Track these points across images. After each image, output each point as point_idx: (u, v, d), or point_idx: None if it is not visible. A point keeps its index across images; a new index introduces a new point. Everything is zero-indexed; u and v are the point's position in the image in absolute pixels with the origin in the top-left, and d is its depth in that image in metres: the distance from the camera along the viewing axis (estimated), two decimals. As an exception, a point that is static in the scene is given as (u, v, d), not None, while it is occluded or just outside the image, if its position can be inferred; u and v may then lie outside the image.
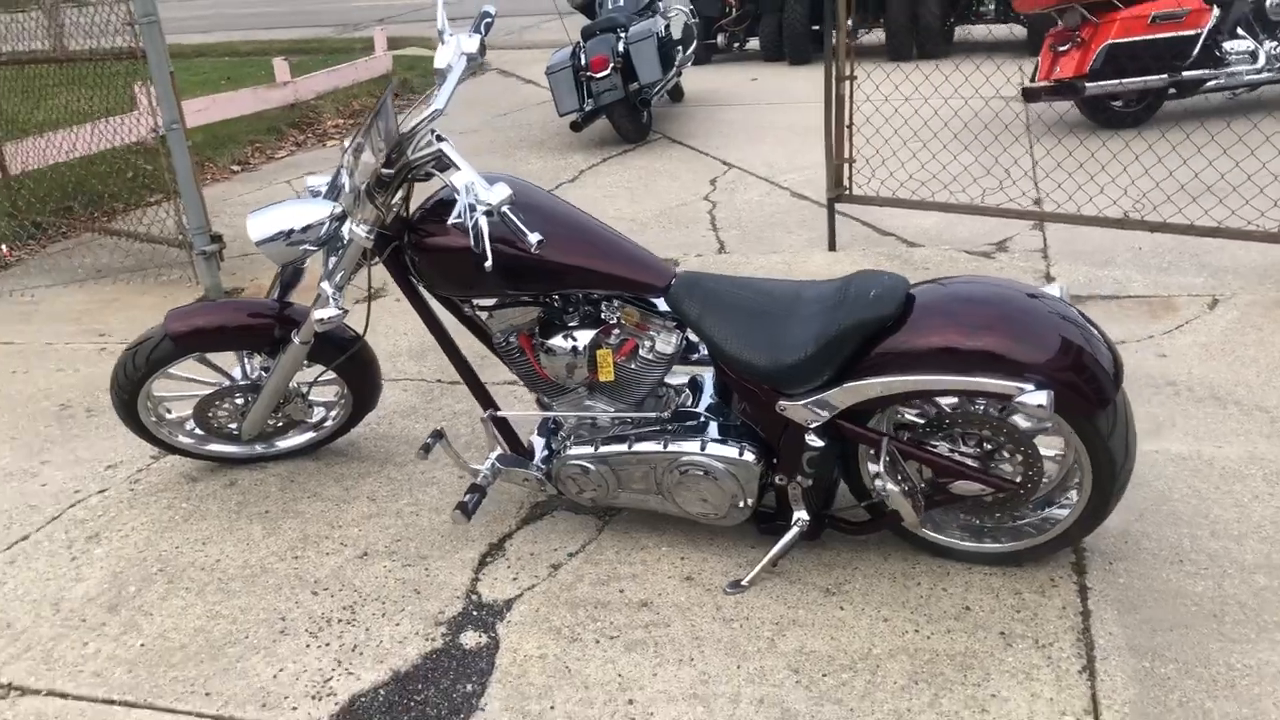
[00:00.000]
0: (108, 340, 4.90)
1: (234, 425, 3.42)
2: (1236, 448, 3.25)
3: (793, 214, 5.97)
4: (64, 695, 2.60)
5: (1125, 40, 6.85)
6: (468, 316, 2.97)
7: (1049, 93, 7.20)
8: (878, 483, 2.61)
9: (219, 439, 3.49)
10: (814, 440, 2.67)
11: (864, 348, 2.57)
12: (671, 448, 2.82)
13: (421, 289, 2.96)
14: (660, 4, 8.96)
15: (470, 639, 2.70)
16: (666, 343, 2.82)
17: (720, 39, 11.69)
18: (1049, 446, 2.69)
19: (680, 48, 8.87)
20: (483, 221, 2.51)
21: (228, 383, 3.34)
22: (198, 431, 3.46)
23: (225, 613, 2.86)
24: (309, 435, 3.55)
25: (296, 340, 3.08)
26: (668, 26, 8.46)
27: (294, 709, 2.50)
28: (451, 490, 3.36)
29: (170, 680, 2.62)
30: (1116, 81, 6.88)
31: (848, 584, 2.79)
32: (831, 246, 5.33)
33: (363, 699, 2.53)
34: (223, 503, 3.40)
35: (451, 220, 2.49)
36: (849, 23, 9.98)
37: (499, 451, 3.07)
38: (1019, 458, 2.65)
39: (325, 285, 2.93)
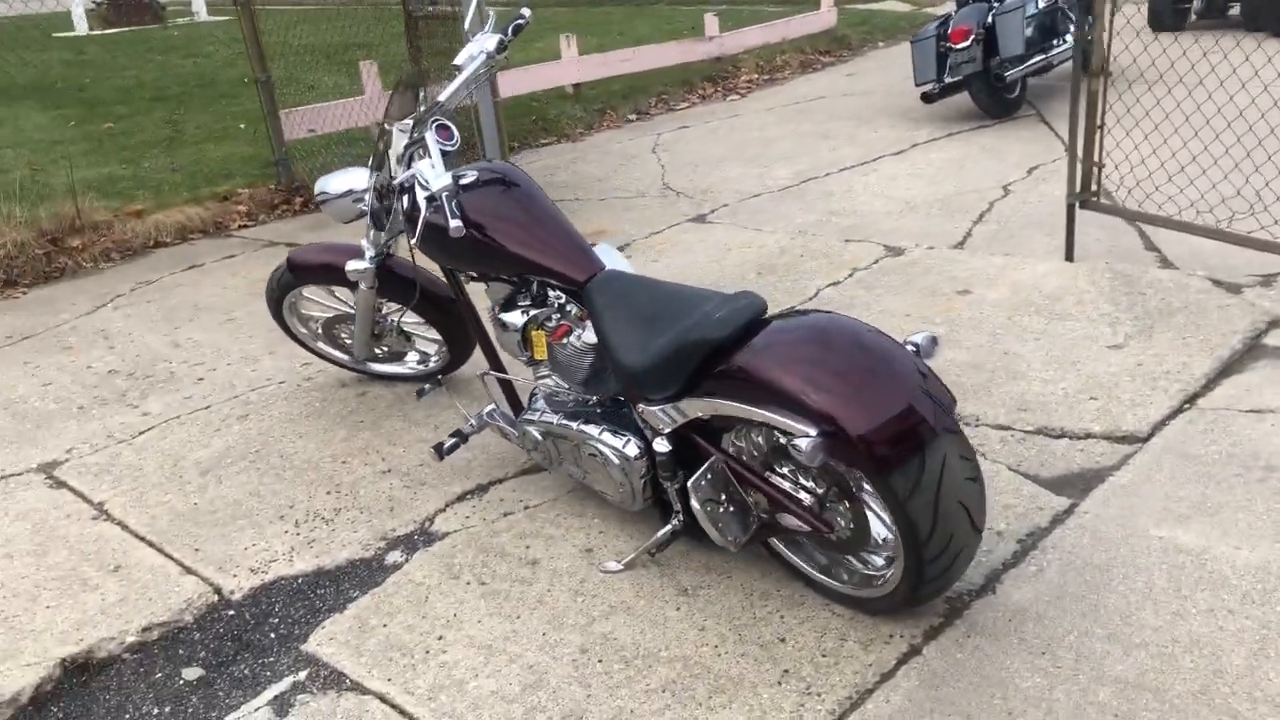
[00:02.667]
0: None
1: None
2: (1257, 555, 2.79)
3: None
4: (123, 525, 3.46)
5: None
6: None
7: None
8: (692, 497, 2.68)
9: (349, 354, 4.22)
10: (661, 445, 2.78)
11: (707, 365, 2.64)
12: (582, 428, 3.05)
13: None
14: (1078, -30, 8.32)
15: (392, 557, 3.18)
16: (593, 333, 3.04)
17: (1196, 2, 10.47)
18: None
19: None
20: (421, 202, 2.93)
21: (344, 311, 4.04)
22: (332, 346, 4.22)
23: (263, 492, 3.58)
24: (417, 368, 4.16)
25: (362, 285, 3.68)
26: (1060, -1, 7.89)
27: (233, 575, 3.16)
28: (497, 438, 3.73)
29: (186, 533, 3.39)
30: None
31: (706, 589, 2.88)
32: (1068, 256, 4.92)
33: (283, 580, 3.12)
34: (342, 406, 4.14)
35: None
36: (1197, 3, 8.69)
37: (492, 406, 3.47)
38: (845, 504, 2.58)
39: (364, 242, 3.49)
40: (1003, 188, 6.13)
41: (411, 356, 4.18)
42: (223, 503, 3.54)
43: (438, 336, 4.07)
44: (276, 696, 2.67)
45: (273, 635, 2.90)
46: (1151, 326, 4.11)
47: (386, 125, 3.25)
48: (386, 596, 2.99)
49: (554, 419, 3.14)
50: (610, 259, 3.24)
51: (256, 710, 2.63)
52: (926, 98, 7.64)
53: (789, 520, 2.66)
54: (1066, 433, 3.47)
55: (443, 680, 2.64)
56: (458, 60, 3.27)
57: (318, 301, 4.09)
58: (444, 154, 3.17)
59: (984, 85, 7.48)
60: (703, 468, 2.67)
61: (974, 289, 4.67)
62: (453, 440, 3.40)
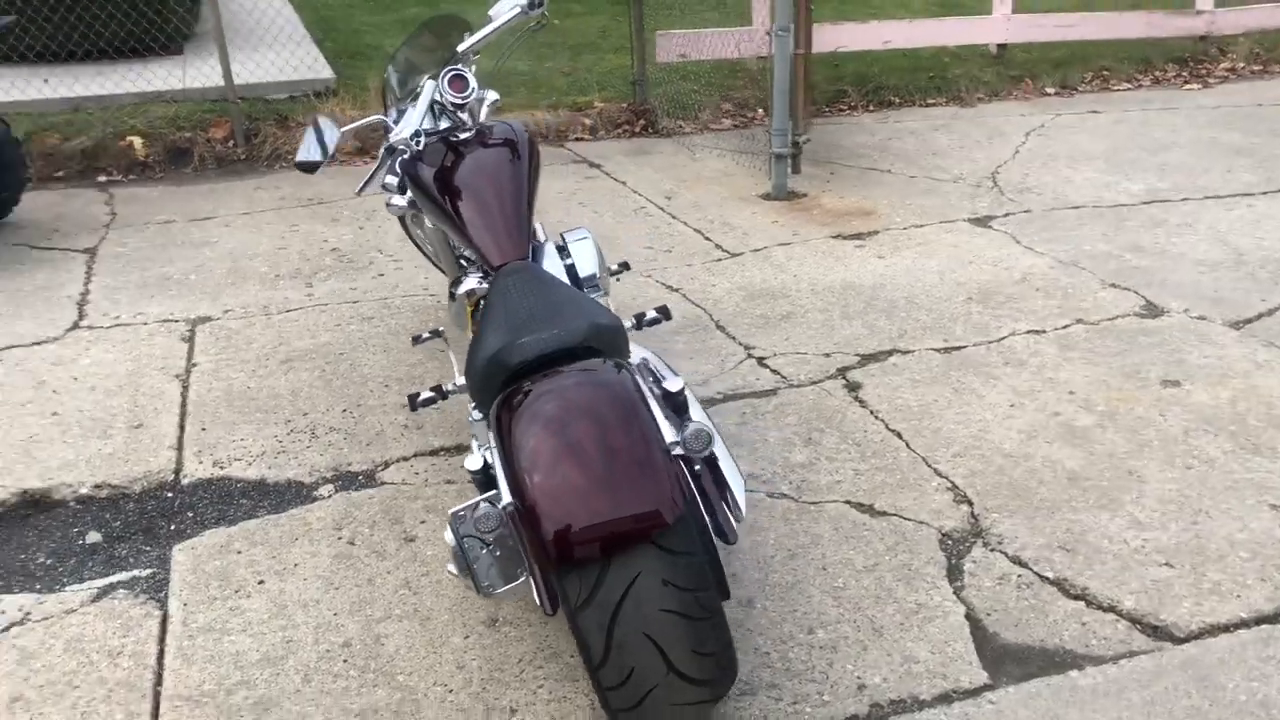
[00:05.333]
0: (656, 203, 5.75)
1: None
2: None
3: None
4: (184, 389, 3.81)
5: None
6: None
7: None
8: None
9: None
10: (470, 462, 2.53)
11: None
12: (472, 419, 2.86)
13: None
14: None
15: (322, 490, 3.23)
16: (507, 321, 2.81)
17: None
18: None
19: None
20: (381, 150, 2.90)
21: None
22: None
23: (302, 394, 3.76)
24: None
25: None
26: None
27: (200, 462, 3.38)
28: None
29: (212, 413, 3.66)
30: None
31: (511, 626, 2.64)
32: (1357, 370, 3.71)
33: (228, 481, 3.29)
34: (401, 324, 4.19)
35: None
36: None
37: (481, 370, 3.35)
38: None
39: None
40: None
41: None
42: (267, 393, 3.77)
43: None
44: (109, 585, 2.85)
45: (171, 528, 3.08)
46: (1362, 497, 3.01)
47: (412, 63, 3.18)
48: (270, 526, 3.05)
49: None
50: (582, 252, 2.98)
51: (85, 590, 2.83)
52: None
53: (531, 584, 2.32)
54: (1087, 596, 2.68)
55: (216, 624, 2.67)
56: (491, 10, 3.09)
57: (435, 225, 4.15)
58: (456, 106, 3.07)
59: None
60: (470, 501, 2.40)
61: (1188, 383, 3.67)
62: (429, 394, 3.32)
